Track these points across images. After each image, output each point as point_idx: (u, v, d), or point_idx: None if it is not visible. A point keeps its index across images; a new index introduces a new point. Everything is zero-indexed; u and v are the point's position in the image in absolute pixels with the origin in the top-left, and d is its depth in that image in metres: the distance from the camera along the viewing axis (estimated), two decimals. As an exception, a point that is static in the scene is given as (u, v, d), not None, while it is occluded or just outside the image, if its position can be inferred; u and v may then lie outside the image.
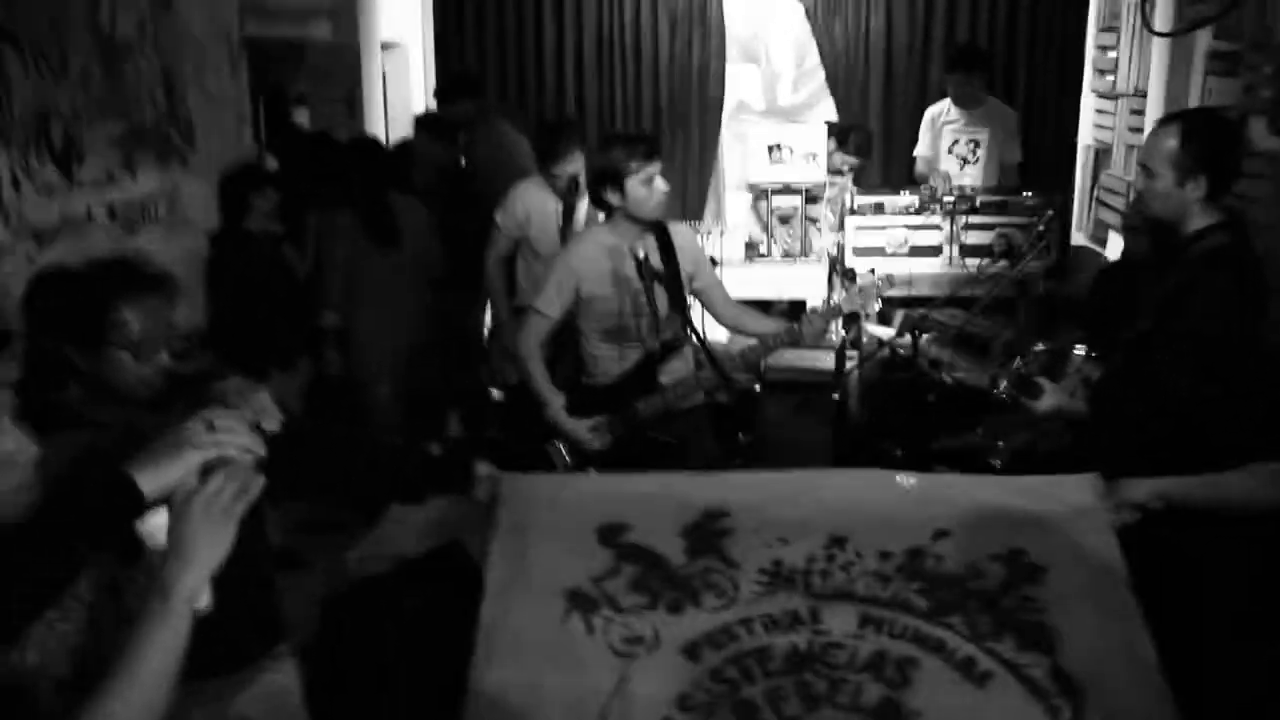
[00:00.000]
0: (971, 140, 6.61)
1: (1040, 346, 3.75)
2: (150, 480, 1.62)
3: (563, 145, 4.87)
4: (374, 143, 5.71)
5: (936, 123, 6.72)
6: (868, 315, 4.84)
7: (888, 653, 2.39)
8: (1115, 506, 2.56)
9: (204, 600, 2.10)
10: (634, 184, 3.61)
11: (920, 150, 6.85)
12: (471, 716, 2.29)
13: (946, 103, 6.72)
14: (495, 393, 6.03)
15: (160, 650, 1.53)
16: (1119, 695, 2.28)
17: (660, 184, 3.65)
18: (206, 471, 1.62)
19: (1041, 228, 5.11)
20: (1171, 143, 2.97)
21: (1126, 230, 4.69)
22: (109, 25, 4.49)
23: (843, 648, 2.40)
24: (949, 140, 6.63)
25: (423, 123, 6.28)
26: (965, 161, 6.61)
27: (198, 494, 1.59)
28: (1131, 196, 4.37)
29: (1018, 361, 3.50)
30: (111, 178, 4.48)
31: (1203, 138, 2.99)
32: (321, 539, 4.21)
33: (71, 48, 4.27)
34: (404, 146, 6.13)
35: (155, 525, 2.17)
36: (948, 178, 6.35)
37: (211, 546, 1.60)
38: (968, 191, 6.15)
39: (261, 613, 2.53)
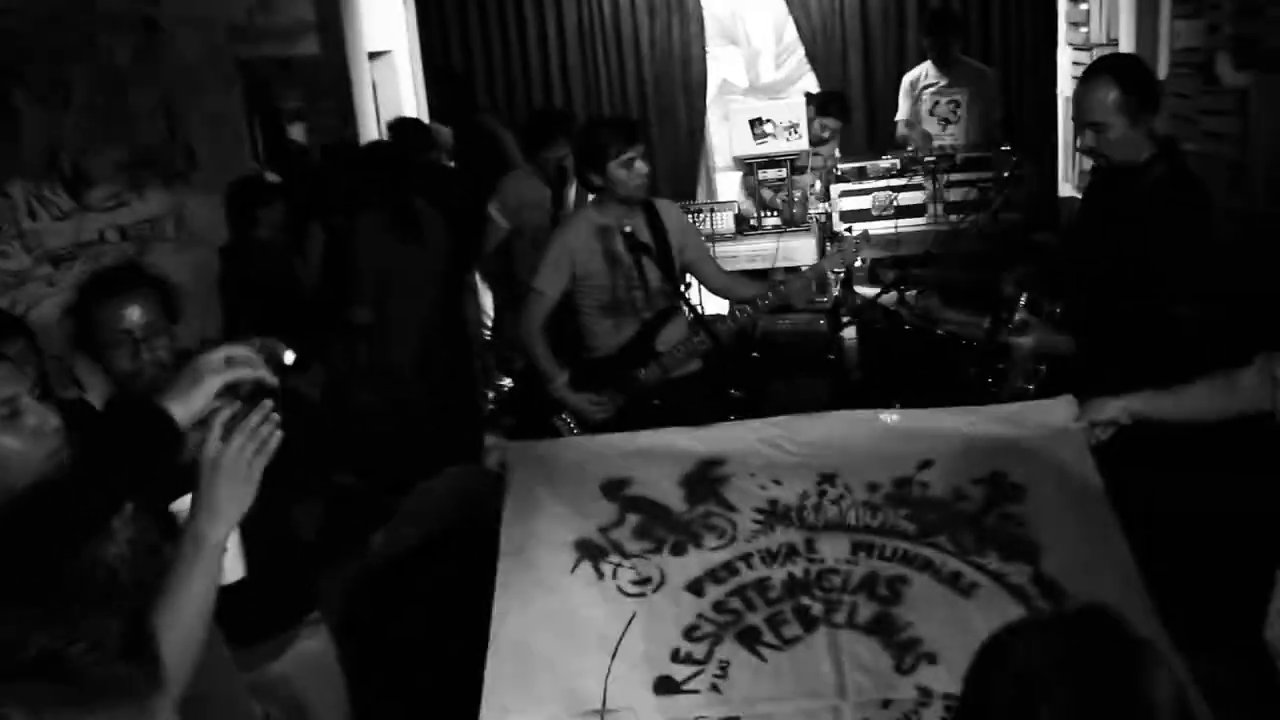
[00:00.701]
0: (951, 101, 6.74)
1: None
2: (180, 409, 1.72)
3: (547, 132, 5.04)
4: (397, 148, 5.84)
5: (916, 86, 6.87)
6: (851, 271, 4.99)
7: (879, 573, 2.56)
8: (1089, 425, 2.72)
9: (238, 570, 2.29)
10: (615, 166, 3.78)
11: (901, 114, 7.01)
12: (493, 663, 2.46)
13: (925, 65, 6.87)
14: (505, 380, 6.22)
15: (197, 589, 1.70)
16: (1100, 594, 2.43)
17: (640, 166, 3.81)
18: (228, 431, 1.75)
19: (1006, 175, 5.23)
20: (1113, 93, 3.12)
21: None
22: (107, 56, 4.68)
23: (837, 573, 2.58)
24: (929, 103, 6.76)
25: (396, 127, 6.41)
26: (947, 122, 6.75)
27: (222, 453, 1.73)
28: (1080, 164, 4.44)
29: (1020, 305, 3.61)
30: (120, 200, 4.68)
31: (1134, 76, 3.17)
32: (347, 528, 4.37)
33: (74, 80, 4.46)
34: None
35: (185, 505, 2.36)
36: (928, 137, 6.51)
37: (236, 500, 1.74)
38: (949, 150, 6.29)
39: (294, 583, 2.71)
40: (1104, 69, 3.24)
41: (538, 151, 5.10)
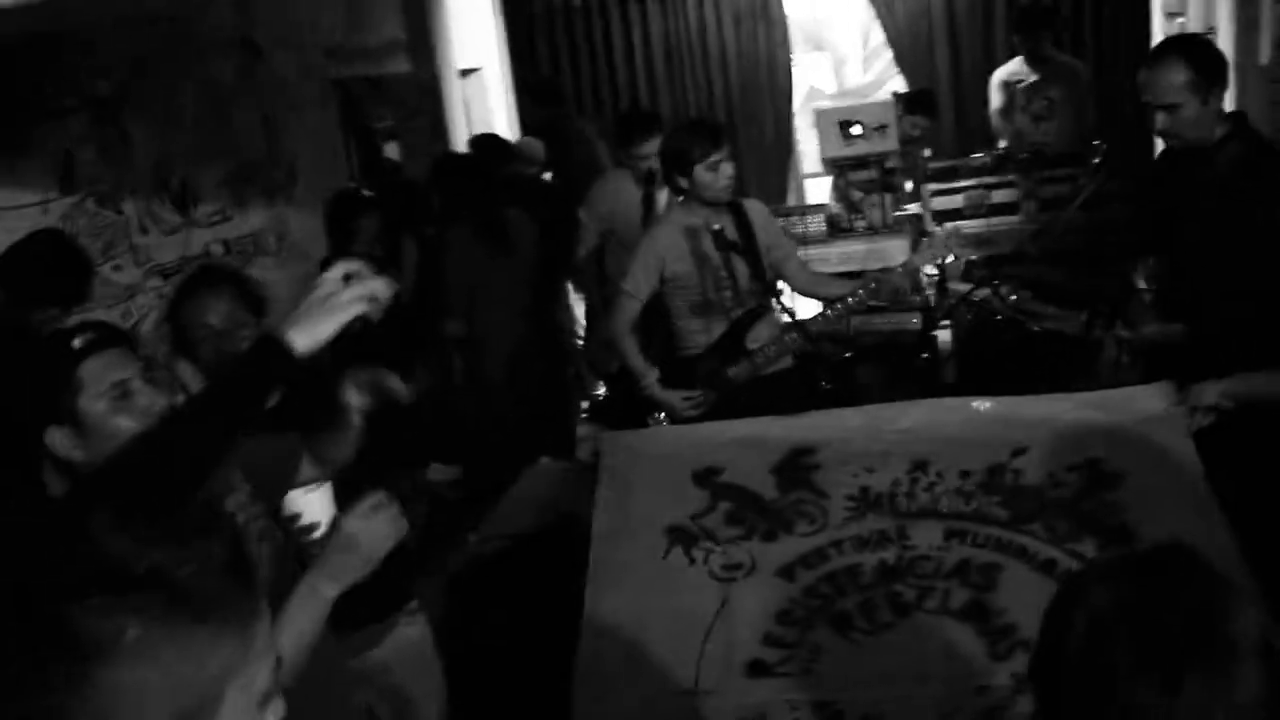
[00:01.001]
0: (1045, 98, 6.64)
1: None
2: (303, 337, 1.72)
3: (639, 131, 5.09)
4: (478, 160, 5.96)
5: (1008, 84, 6.77)
6: (945, 270, 4.93)
7: (972, 560, 2.54)
8: (1189, 411, 2.66)
9: None
10: (700, 170, 3.80)
11: (993, 110, 6.91)
12: (586, 645, 2.50)
13: (1016, 62, 6.77)
14: (600, 387, 6.27)
15: (302, 628, 1.81)
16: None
17: (726, 169, 3.82)
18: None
19: (1095, 164, 5.12)
20: (1181, 74, 3.07)
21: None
22: (211, 76, 4.87)
23: (929, 559, 2.57)
24: (1022, 100, 6.67)
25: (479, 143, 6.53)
26: (1040, 119, 6.64)
27: (361, 530, 1.85)
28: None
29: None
30: (224, 215, 4.85)
31: (1202, 54, 3.13)
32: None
33: (181, 100, 4.65)
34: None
35: (308, 502, 2.44)
36: (1020, 135, 6.41)
37: (356, 570, 1.87)
38: (1042, 148, 6.19)
39: (394, 574, 2.76)
40: (1171, 49, 3.22)
41: (627, 152, 5.14)
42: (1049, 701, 1.31)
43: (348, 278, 1.77)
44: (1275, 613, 2.32)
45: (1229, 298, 3.08)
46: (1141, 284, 3.64)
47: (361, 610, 2.64)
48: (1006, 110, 6.75)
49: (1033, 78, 6.65)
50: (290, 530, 2.45)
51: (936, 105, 7.01)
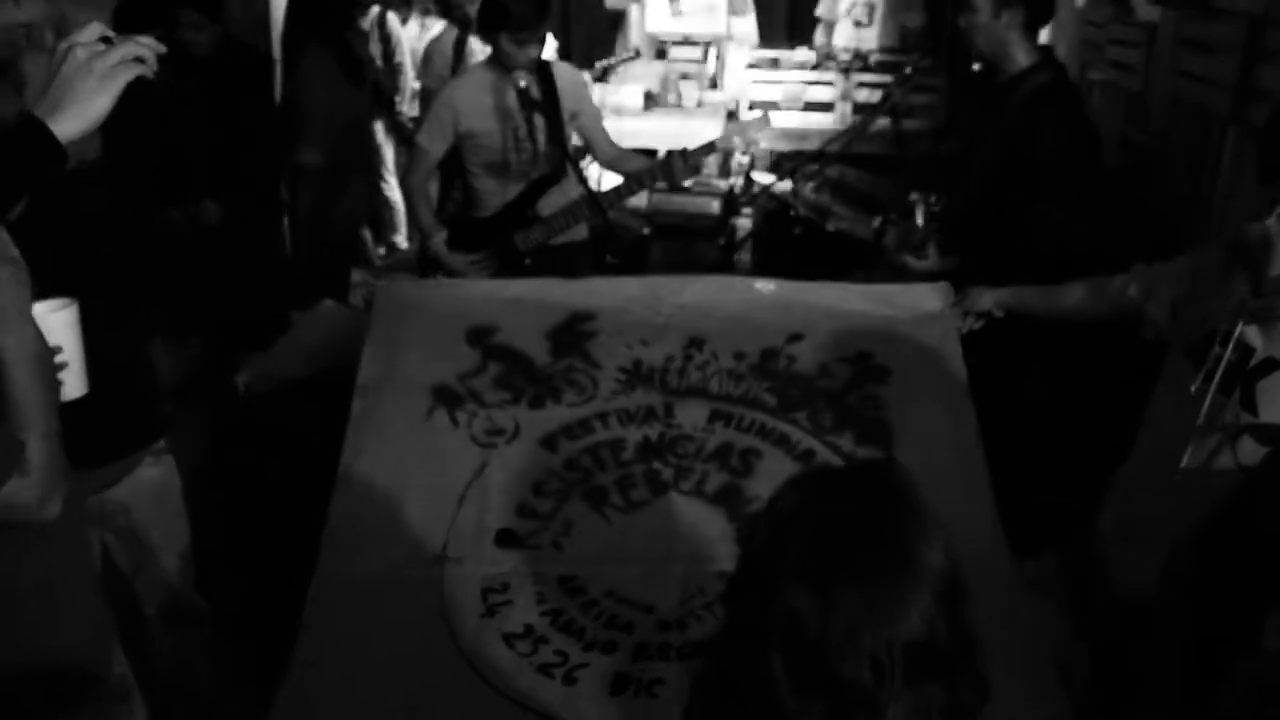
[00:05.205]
0: (868, 4, 6.69)
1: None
2: (74, 120, 1.53)
3: None
4: None
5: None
6: (754, 160, 4.94)
7: (734, 444, 2.55)
8: (962, 313, 2.74)
9: (78, 387, 2.17)
10: (506, 41, 3.61)
11: (820, 11, 6.92)
12: (338, 503, 2.41)
13: (847, -37, 6.77)
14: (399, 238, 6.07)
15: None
16: (946, 487, 2.45)
17: (532, 51, 3.62)
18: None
19: (905, 76, 5.19)
20: None
21: None
22: None
23: (692, 439, 2.56)
24: (846, 2, 6.70)
25: None
26: (859, 24, 6.69)
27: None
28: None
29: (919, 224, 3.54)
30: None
31: None
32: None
33: None
34: None
35: (48, 321, 2.23)
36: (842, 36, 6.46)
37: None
38: (862, 51, 6.25)
39: (139, 406, 2.58)
40: None
41: None
42: (733, 600, 1.29)
43: (106, 40, 1.55)
44: (1011, 509, 2.48)
45: (1009, 229, 3.16)
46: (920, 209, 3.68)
47: (102, 444, 2.47)
48: (830, 10, 6.78)
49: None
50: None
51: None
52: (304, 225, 4.94)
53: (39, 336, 1.67)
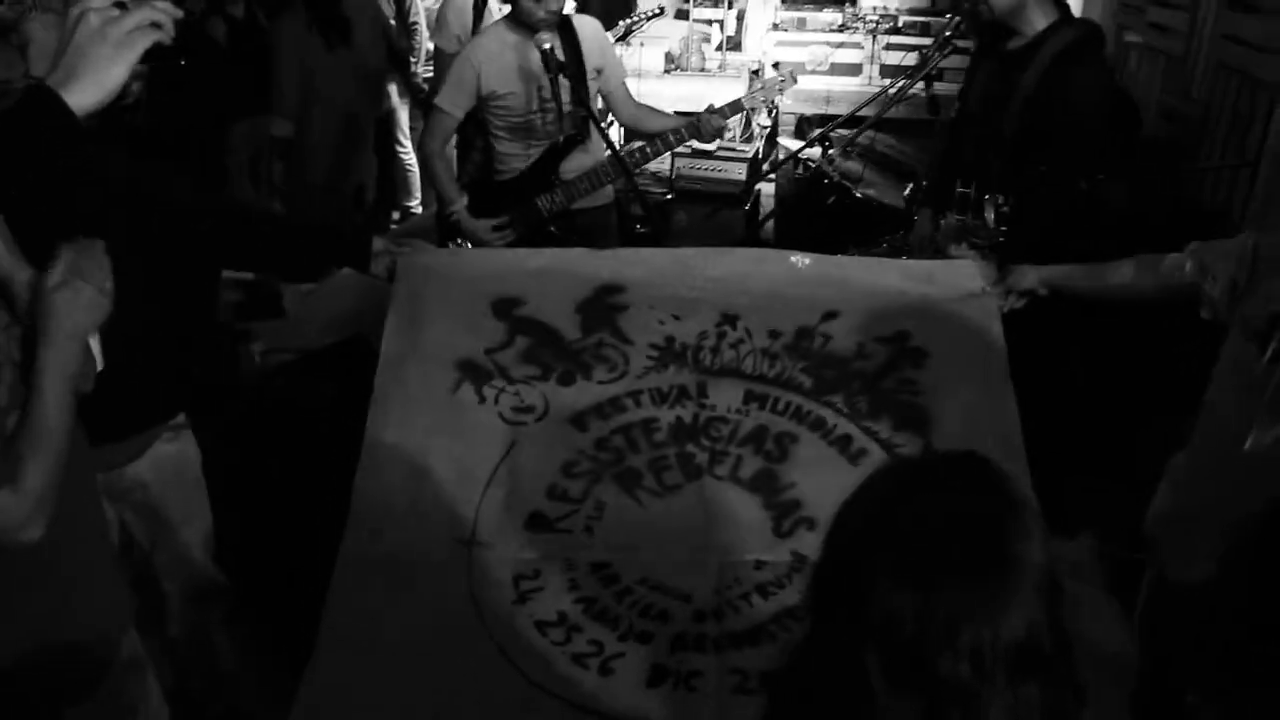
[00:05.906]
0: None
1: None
2: (91, 89, 1.46)
3: None
4: None
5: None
6: (778, 123, 4.81)
7: (769, 428, 2.47)
8: (1004, 292, 2.63)
9: (95, 361, 2.09)
10: None
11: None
12: (363, 480, 2.33)
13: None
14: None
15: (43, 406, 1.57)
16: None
17: (554, 4, 3.50)
18: None
19: (947, 34, 5.03)
20: None
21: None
22: None
23: (726, 421, 2.48)
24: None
25: None
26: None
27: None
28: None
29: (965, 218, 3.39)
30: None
31: None
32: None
33: None
34: None
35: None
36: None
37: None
38: (891, 11, 6.10)
39: (158, 380, 2.51)
40: None
41: None
42: (821, 597, 1.25)
43: (120, 5, 1.47)
44: (1047, 491, 2.40)
45: (1042, 201, 3.05)
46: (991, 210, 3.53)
47: (120, 419, 2.40)
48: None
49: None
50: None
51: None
52: (294, 202, 4.74)
53: (79, 358, 1.64)
